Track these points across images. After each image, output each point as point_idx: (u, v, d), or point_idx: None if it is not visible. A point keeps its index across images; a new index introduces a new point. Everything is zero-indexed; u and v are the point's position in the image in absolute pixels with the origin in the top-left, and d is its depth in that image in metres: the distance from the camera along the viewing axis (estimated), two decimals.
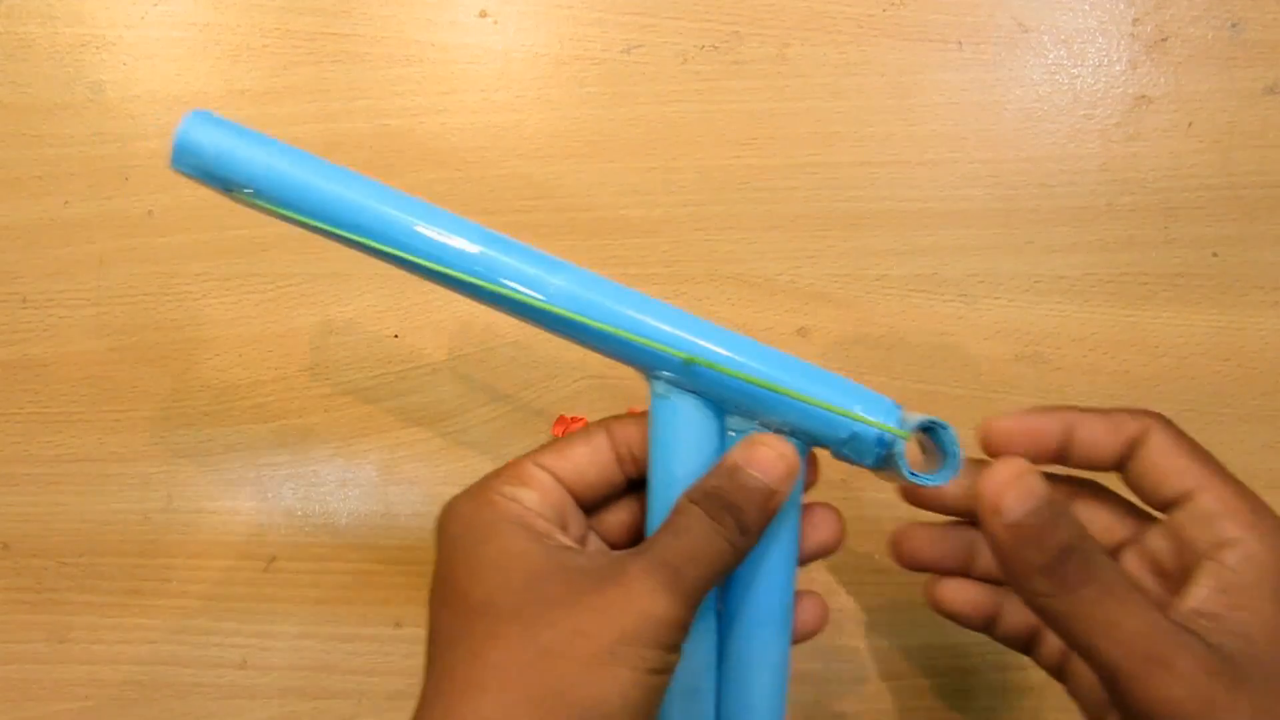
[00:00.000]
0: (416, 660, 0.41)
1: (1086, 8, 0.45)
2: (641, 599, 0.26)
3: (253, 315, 0.44)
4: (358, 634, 0.43)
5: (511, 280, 0.28)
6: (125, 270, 0.44)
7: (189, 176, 0.28)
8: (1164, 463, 0.29)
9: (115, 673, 0.43)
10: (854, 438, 0.28)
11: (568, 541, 0.29)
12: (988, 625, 0.34)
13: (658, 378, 0.29)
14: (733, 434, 0.30)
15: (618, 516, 0.33)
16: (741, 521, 0.28)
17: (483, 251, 0.28)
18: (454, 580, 0.28)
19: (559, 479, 0.30)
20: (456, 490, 0.30)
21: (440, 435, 0.43)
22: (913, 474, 0.28)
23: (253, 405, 0.44)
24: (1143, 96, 0.45)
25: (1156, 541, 0.30)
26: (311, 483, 0.44)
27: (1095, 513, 0.32)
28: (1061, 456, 0.31)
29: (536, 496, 0.29)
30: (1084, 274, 0.44)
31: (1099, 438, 0.30)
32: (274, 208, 0.28)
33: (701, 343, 0.29)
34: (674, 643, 0.27)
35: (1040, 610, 0.26)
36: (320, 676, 0.43)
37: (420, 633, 0.29)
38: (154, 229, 0.44)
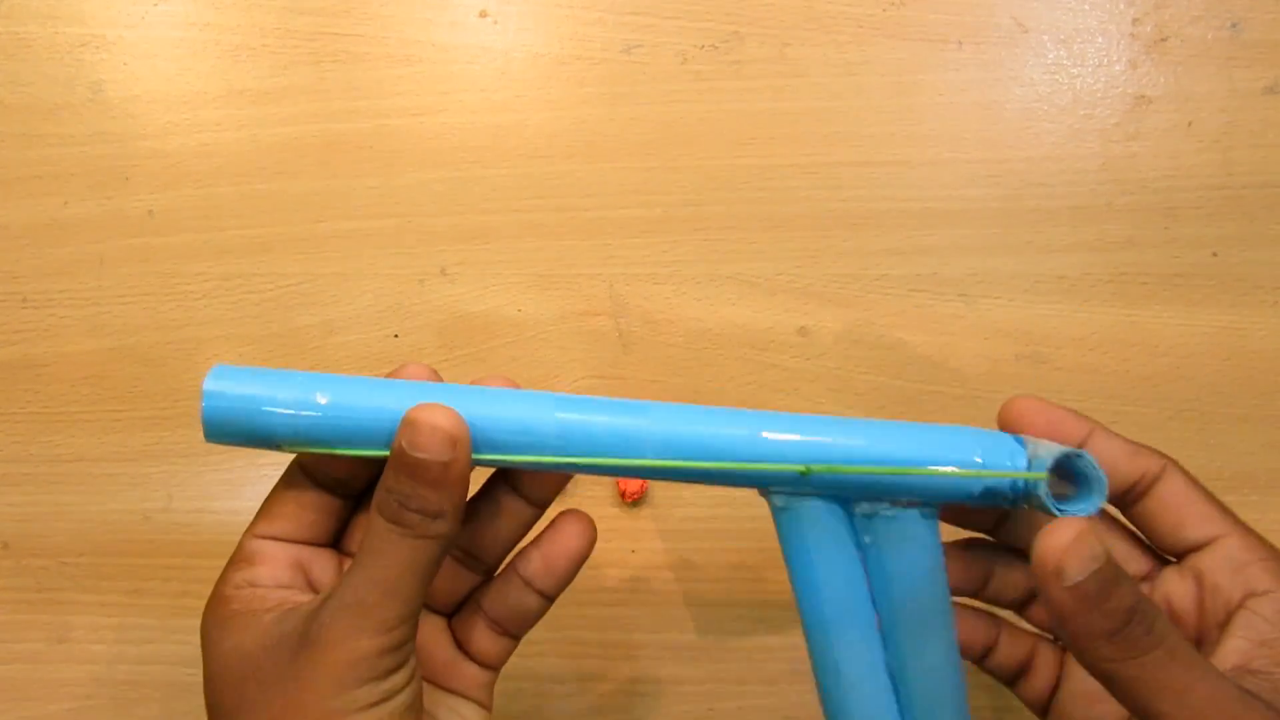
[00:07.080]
0: None
1: (1086, 8, 0.45)
2: (337, 649, 0.26)
3: (253, 315, 0.44)
4: None
5: (600, 454, 0.27)
6: (125, 270, 0.44)
7: (228, 444, 0.28)
8: (1185, 505, 0.28)
9: (115, 673, 0.43)
10: (988, 492, 0.27)
11: (306, 596, 0.28)
12: (982, 656, 0.33)
13: (774, 493, 0.28)
14: (863, 518, 0.28)
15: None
16: (427, 509, 0.27)
17: (562, 426, 0.27)
18: (207, 693, 0.28)
19: (281, 539, 0.30)
20: None
21: None
22: (1060, 509, 0.26)
23: None
24: (1143, 96, 0.45)
25: (1173, 585, 0.29)
26: None
27: (1114, 549, 0.30)
28: None
29: (266, 571, 0.29)
30: (1084, 274, 0.44)
31: (1117, 461, 0.29)
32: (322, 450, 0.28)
33: (807, 439, 0.27)
34: (391, 665, 0.27)
35: (1104, 675, 0.25)
36: None
37: None
38: (154, 229, 0.44)
